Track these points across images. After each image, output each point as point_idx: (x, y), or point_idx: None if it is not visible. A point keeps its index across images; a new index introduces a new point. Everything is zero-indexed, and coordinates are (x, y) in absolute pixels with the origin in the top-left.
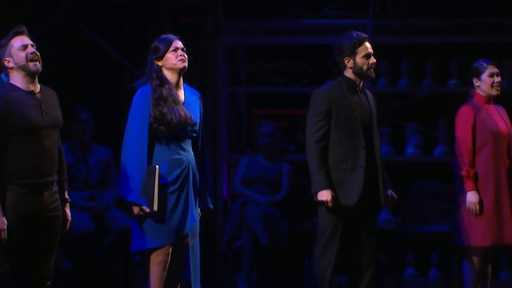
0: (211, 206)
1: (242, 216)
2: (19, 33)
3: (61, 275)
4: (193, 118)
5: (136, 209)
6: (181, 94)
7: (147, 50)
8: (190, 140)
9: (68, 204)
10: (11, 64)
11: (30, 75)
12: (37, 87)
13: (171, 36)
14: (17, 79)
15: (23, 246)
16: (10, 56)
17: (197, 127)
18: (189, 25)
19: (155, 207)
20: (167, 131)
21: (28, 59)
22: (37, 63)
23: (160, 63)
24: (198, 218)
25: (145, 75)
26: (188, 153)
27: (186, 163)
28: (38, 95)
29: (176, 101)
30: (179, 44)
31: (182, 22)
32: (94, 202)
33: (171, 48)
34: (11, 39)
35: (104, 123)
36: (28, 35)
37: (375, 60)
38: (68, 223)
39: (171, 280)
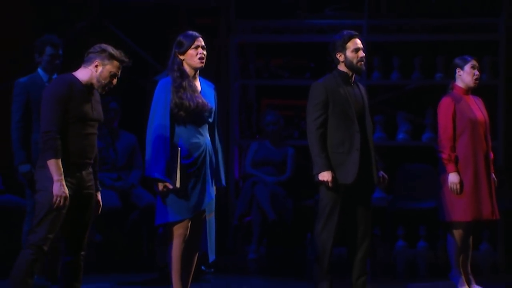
0: (224, 184)
1: (252, 195)
2: (122, 62)
3: (92, 246)
4: (209, 104)
5: (160, 186)
6: (198, 85)
7: (167, 47)
8: (206, 126)
9: (100, 193)
10: (98, 69)
11: (95, 88)
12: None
13: (196, 34)
14: (86, 77)
15: (69, 218)
16: (104, 67)
17: (212, 114)
18: (204, 25)
19: (178, 184)
20: (187, 116)
21: (106, 86)
22: (105, 91)
23: (181, 57)
24: (214, 196)
25: (166, 67)
26: (205, 138)
27: (204, 146)
28: (92, 92)
29: (194, 89)
30: (201, 42)
31: (198, 23)
32: (121, 182)
33: (193, 45)
34: (115, 59)
35: (130, 113)
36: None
37: (364, 54)
38: (100, 208)
39: (189, 250)
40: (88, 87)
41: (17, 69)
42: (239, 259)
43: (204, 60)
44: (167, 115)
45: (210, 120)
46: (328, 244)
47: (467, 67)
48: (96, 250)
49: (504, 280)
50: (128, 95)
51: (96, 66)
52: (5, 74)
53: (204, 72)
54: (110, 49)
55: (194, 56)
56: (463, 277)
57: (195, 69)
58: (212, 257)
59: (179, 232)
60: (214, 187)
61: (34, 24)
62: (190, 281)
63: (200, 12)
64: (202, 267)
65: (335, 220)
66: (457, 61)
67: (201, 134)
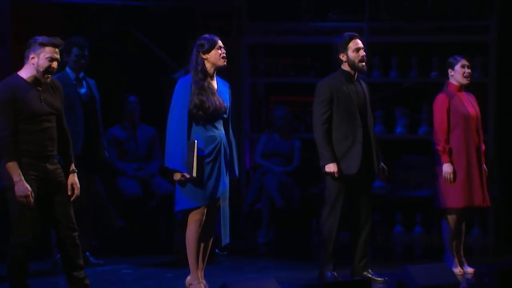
0: (237, 175)
1: (262, 184)
2: (55, 45)
3: (115, 231)
4: (224, 104)
5: (178, 175)
6: (215, 84)
7: (184, 47)
8: (221, 121)
9: (76, 174)
10: (34, 61)
11: (38, 80)
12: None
13: (215, 36)
14: (28, 73)
15: (41, 207)
16: (38, 56)
17: (227, 111)
18: (218, 28)
19: (194, 174)
20: (205, 116)
21: (47, 71)
22: (50, 76)
23: (204, 57)
24: (228, 185)
25: (183, 68)
26: (220, 131)
27: (219, 139)
28: (39, 87)
29: (213, 92)
30: (221, 43)
31: (213, 25)
32: (142, 172)
33: (216, 46)
34: (46, 45)
35: (150, 107)
36: (60, 50)
37: (364, 53)
38: (76, 189)
39: (205, 235)
40: (34, 82)
41: None
42: (250, 243)
43: (226, 59)
44: (185, 112)
45: (225, 116)
46: (333, 229)
47: (458, 66)
48: (119, 234)
49: (494, 261)
50: (148, 91)
51: (33, 58)
52: None
53: (219, 71)
54: (39, 38)
55: (218, 55)
56: (456, 259)
57: (216, 68)
58: (226, 240)
59: (195, 218)
60: (228, 177)
61: (62, 27)
62: (205, 262)
63: (214, 15)
64: (216, 250)
65: (339, 207)
66: (449, 61)
67: (217, 128)
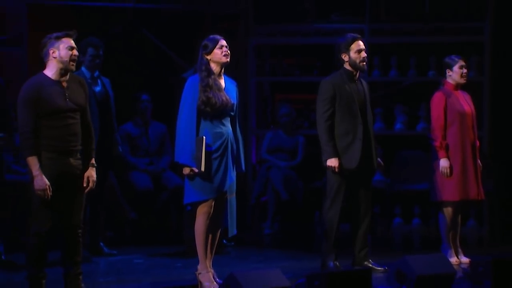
0: (244, 169)
1: (267, 177)
2: (69, 35)
3: (128, 223)
4: (231, 101)
5: (187, 170)
6: (222, 82)
7: (193, 48)
8: (229, 118)
9: (94, 169)
10: (55, 55)
11: (65, 70)
12: (66, 78)
13: (218, 36)
14: (52, 69)
15: (58, 200)
16: (58, 49)
17: (234, 108)
18: (226, 29)
19: (202, 168)
20: (212, 111)
21: (71, 59)
22: (75, 64)
23: (208, 57)
24: (235, 179)
25: (193, 67)
26: (227, 128)
27: (226, 135)
28: (64, 84)
29: (219, 88)
30: (224, 42)
31: (221, 27)
32: (153, 166)
33: (217, 46)
34: (62, 37)
35: (161, 105)
36: (74, 40)
37: (365, 54)
38: (92, 183)
39: (213, 226)
40: (59, 79)
41: None
42: (256, 234)
43: (228, 56)
44: (194, 110)
45: (232, 113)
46: (334, 221)
47: (456, 67)
48: (131, 226)
49: (488, 252)
50: (159, 90)
51: (53, 52)
52: None
53: (226, 70)
54: (53, 34)
55: (219, 54)
56: (452, 249)
57: (221, 66)
58: (233, 232)
59: (204, 210)
60: (235, 172)
61: (77, 29)
62: (213, 253)
63: (222, 18)
64: (224, 241)
65: (340, 200)
66: (447, 61)
67: (224, 125)
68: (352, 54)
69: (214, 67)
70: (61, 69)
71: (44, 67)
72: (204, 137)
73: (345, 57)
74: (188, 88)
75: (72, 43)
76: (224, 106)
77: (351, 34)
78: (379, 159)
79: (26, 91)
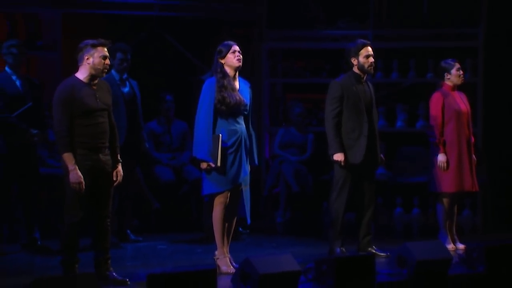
0: (257, 163)
1: (279, 171)
2: (104, 45)
3: (152, 212)
4: (245, 101)
5: (204, 165)
6: (237, 84)
7: (211, 52)
8: (242, 116)
9: (120, 164)
10: (89, 61)
11: (96, 76)
12: (95, 81)
13: (231, 42)
14: (84, 73)
15: (89, 193)
16: (92, 56)
17: (247, 107)
18: (241, 35)
19: (219, 163)
20: (227, 110)
21: (103, 68)
22: (105, 72)
23: (222, 61)
24: (248, 172)
25: (210, 70)
26: (241, 126)
27: (240, 132)
28: (94, 87)
29: (233, 89)
30: (236, 48)
31: (236, 32)
32: (175, 161)
33: (231, 51)
34: (97, 45)
35: (182, 104)
36: (108, 49)
37: (373, 59)
38: (120, 177)
39: (229, 215)
40: (90, 82)
41: None
42: (269, 222)
43: (241, 61)
44: (211, 109)
45: (246, 112)
46: (340, 211)
47: (454, 70)
48: (155, 215)
49: (482, 239)
50: (180, 90)
51: (87, 59)
52: None
53: (241, 72)
54: (90, 41)
55: (232, 58)
56: (449, 237)
57: (235, 69)
58: (247, 221)
59: (220, 201)
60: (249, 165)
61: (106, 35)
62: (230, 239)
63: (238, 24)
64: (240, 229)
65: (346, 191)
66: (444, 65)
67: (238, 123)
68: (361, 59)
69: (228, 70)
70: (92, 74)
71: (76, 70)
72: (220, 134)
73: (354, 61)
74: (205, 90)
75: (106, 52)
76: (238, 105)
77: (361, 40)
78: (381, 154)
79: (61, 93)
